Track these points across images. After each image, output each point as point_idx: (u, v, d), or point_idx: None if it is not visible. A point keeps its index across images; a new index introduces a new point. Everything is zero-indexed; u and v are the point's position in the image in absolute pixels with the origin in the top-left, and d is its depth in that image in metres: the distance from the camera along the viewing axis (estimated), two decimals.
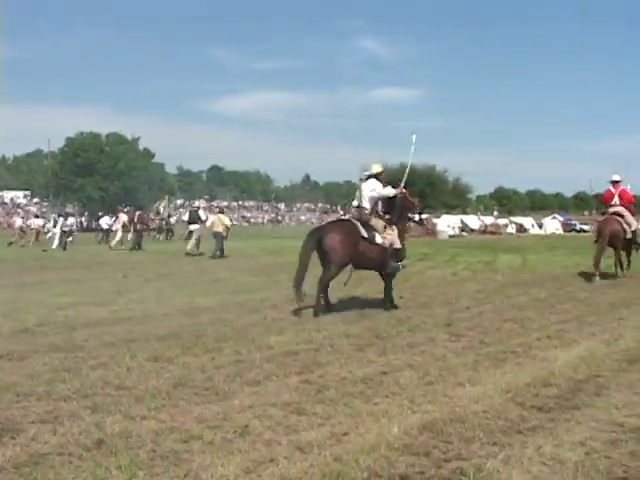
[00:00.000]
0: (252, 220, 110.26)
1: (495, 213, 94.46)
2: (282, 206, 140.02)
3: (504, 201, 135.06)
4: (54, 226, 34.31)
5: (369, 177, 11.45)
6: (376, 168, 11.50)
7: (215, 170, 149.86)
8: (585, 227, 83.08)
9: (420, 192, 61.73)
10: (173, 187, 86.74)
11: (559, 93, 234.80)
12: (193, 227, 27.79)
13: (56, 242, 32.65)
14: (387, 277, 11.59)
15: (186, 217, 32.97)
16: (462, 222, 66.94)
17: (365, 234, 11.01)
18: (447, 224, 60.92)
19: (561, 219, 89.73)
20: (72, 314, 10.50)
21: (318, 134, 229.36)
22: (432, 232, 50.51)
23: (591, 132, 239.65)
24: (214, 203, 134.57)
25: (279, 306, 11.50)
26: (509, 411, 5.47)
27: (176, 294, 13.08)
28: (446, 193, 65.30)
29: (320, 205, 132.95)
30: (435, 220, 58.91)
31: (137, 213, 32.99)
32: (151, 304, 11.74)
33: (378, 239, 11.11)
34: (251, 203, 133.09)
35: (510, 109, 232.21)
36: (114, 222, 34.98)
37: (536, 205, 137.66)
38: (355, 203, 11.67)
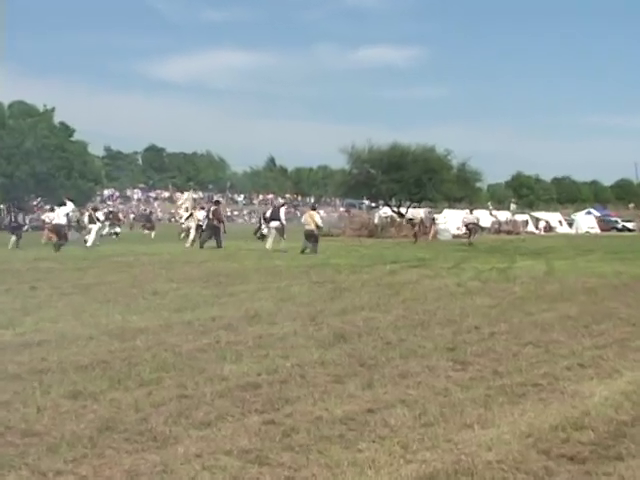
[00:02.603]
0: None
1: (512, 207, 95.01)
2: (240, 198, 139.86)
3: (523, 192, 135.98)
4: (89, 222, 37.89)
5: None
6: None
7: (153, 151, 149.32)
8: (629, 225, 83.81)
9: (416, 181, 61.47)
10: (99, 173, 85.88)
11: (593, 55, 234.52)
12: (274, 224, 33.88)
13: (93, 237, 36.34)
14: None
15: (268, 214, 37.77)
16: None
17: None
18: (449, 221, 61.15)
19: (597, 214, 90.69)
20: None
21: (286, 105, 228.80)
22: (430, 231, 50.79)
23: (635, 104, 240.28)
24: (152, 193, 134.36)
25: (235, 326, 11.47)
26: (531, 461, 5.49)
27: (102, 311, 12.99)
28: (449, 182, 64.73)
29: (288, 196, 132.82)
30: (435, 216, 59.02)
31: (212, 208, 36.49)
32: (69, 324, 11.64)
33: None
34: (200, 194, 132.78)
35: (530, 73, 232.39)
36: (187, 220, 40.31)
37: (565, 197, 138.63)
38: None
